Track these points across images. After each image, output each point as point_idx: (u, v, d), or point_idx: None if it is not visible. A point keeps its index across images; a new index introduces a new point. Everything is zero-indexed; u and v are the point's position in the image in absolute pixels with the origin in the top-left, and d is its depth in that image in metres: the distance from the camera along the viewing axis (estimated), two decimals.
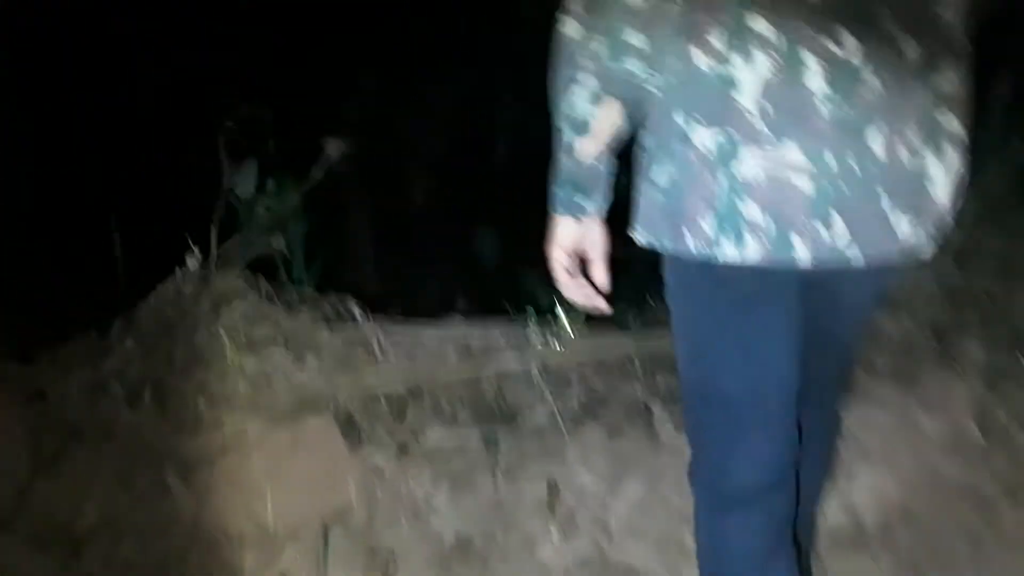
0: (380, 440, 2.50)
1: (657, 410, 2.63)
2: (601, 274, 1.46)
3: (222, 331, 2.54)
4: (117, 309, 2.70)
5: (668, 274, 1.39)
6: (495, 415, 2.65)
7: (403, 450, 2.50)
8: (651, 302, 3.03)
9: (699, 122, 1.24)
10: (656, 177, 1.29)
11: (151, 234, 2.73)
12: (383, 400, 2.61)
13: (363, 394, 2.57)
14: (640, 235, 1.34)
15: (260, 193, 2.94)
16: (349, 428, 2.50)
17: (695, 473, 1.49)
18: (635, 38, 1.25)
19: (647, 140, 1.32)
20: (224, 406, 2.39)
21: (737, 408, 1.39)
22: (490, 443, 2.54)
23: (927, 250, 1.33)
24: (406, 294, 4.17)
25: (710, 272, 1.29)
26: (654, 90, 1.28)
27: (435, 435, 2.56)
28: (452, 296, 3.79)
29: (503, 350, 2.78)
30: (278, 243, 3.03)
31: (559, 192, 1.41)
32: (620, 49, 1.25)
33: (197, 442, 2.27)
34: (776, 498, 1.42)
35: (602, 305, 1.47)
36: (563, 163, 1.37)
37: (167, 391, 2.40)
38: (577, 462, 2.47)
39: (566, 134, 1.35)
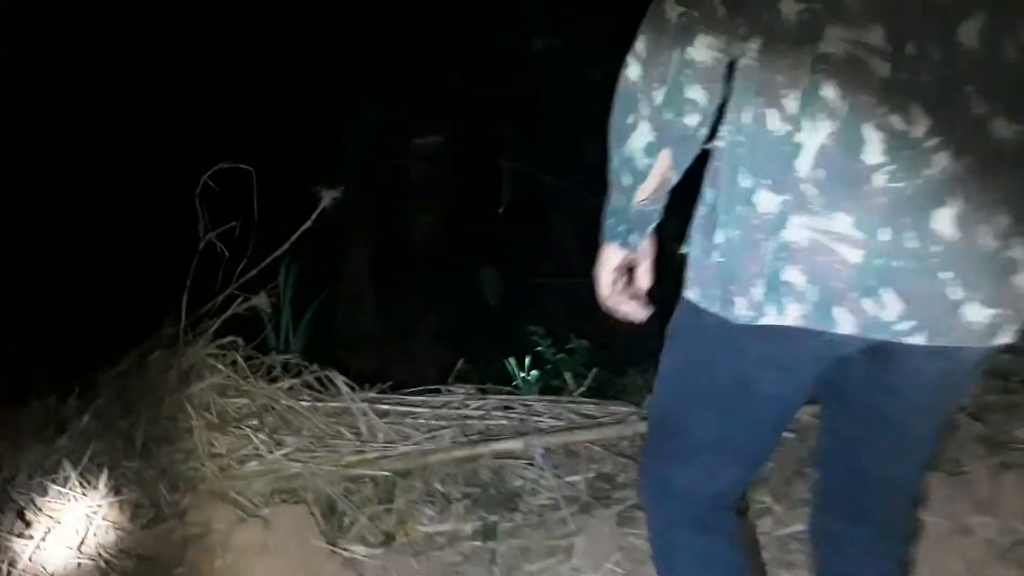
0: (363, 530, 2.24)
1: None
2: (646, 278, 1.43)
3: (190, 406, 2.29)
4: (80, 375, 2.47)
5: (684, 315, 1.35)
6: (493, 501, 2.39)
7: (388, 541, 2.24)
8: None
9: (764, 186, 1.20)
10: (716, 237, 1.26)
11: (124, 294, 2.49)
12: (369, 482, 2.35)
13: (346, 477, 2.32)
14: (692, 294, 1.31)
15: (243, 249, 2.71)
16: (329, 515, 2.25)
17: (644, 474, 1.51)
18: (697, 93, 1.21)
19: (709, 196, 1.29)
20: (188, 494, 2.14)
21: (698, 449, 1.40)
22: (487, 534, 2.28)
23: (1003, 335, 1.24)
24: (400, 353, 3.95)
25: (734, 331, 1.26)
26: (721, 144, 1.26)
27: (425, 523, 2.30)
28: (449, 357, 3.57)
29: (503, 427, 2.53)
30: (262, 302, 2.79)
31: (610, 223, 1.38)
32: (680, 103, 1.22)
33: (153, 537, 2.02)
34: (721, 510, 1.48)
35: (643, 316, 1.43)
36: (615, 200, 1.35)
37: (125, 475, 2.15)
38: (584, 558, 2.21)
39: (622, 177, 1.32)
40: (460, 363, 3.24)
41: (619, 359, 3.63)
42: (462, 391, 2.76)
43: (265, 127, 3.67)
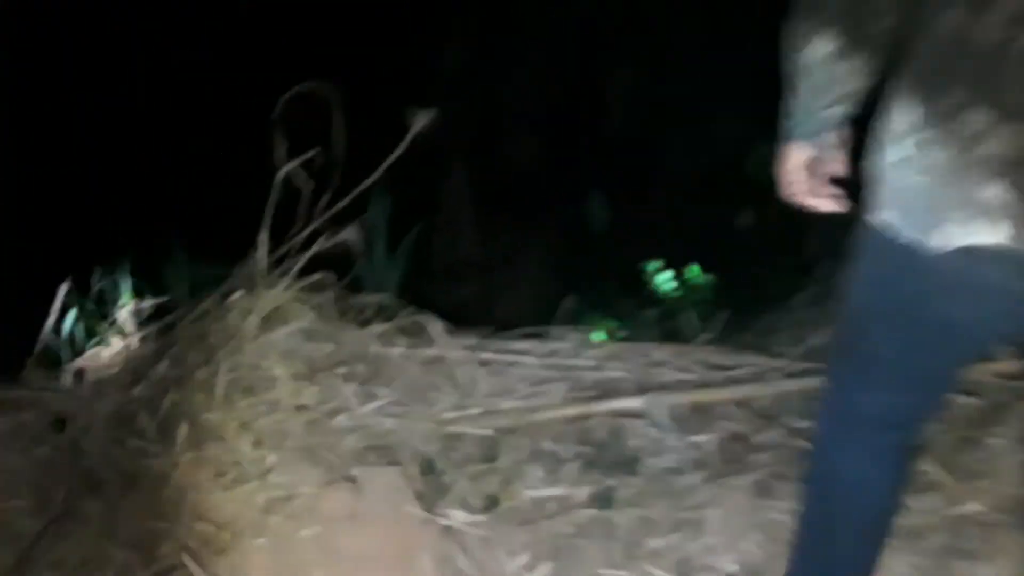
0: (463, 492, 1.99)
1: None
2: (839, 166, 1.35)
3: (274, 353, 2.07)
4: (156, 316, 2.29)
5: (868, 236, 1.28)
6: (610, 462, 2.11)
7: (491, 505, 1.99)
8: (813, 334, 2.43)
9: (972, 100, 1.11)
10: (906, 155, 1.18)
11: (201, 230, 2.27)
12: (469, 440, 2.10)
13: (444, 433, 2.07)
14: (879, 217, 1.24)
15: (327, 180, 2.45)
16: (425, 475, 2.01)
17: (825, 385, 1.45)
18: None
19: (896, 109, 1.20)
20: (273, 451, 1.92)
21: (878, 366, 1.35)
22: (603, 501, 2.01)
23: None
24: (502, 288, 3.67)
25: (926, 255, 1.19)
26: (914, 54, 1.17)
27: (533, 486, 2.04)
28: (554, 292, 3.27)
29: (620, 380, 2.23)
30: (353, 236, 2.53)
31: (793, 126, 1.32)
32: (865, 7, 1.16)
33: (233, 500, 1.81)
34: (894, 448, 1.42)
35: (841, 205, 1.35)
36: (796, 105, 1.29)
37: (204, 430, 1.95)
38: (718, 535, 1.92)
39: (801, 85, 1.26)
40: (567, 300, 2.95)
41: (750, 296, 3.27)
42: (571, 336, 2.46)
43: (350, 45, 3.37)
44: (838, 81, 1.22)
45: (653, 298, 3.27)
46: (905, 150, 1.18)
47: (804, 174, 1.34)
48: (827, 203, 1.34)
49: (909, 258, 1.21)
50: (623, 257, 3.69)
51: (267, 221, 2.20)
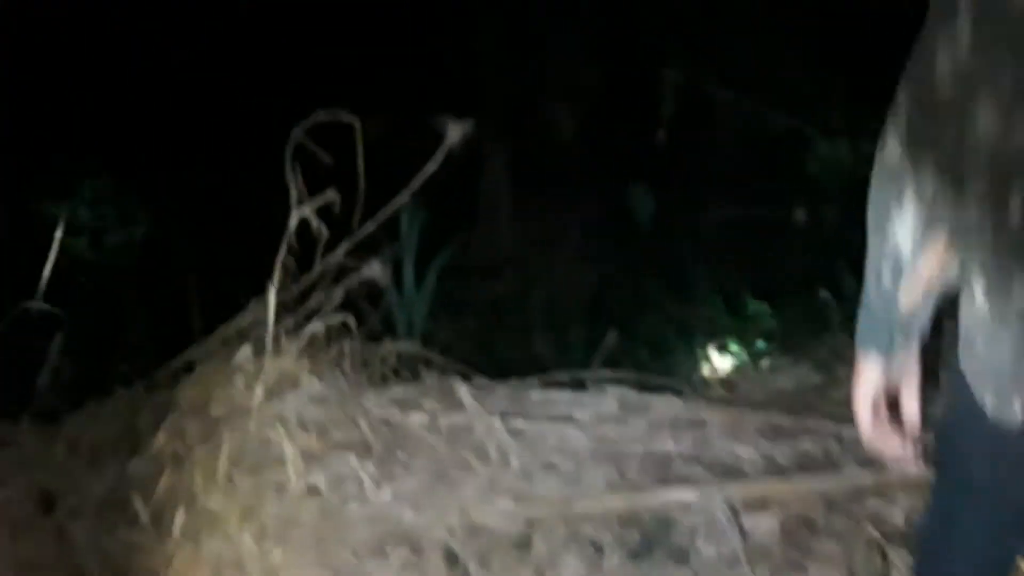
0: None
1: (893, 556, 1.84)
2: (912, 405, 1.19)
3: (282, 425, 1.86)
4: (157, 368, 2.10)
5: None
6: (656, 552, 1.88)
7: None
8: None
9: None
10: (989, 334, 1.06)
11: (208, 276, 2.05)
12: (498, 526, 1.88)
13: (470, 521, 1.86)
14: (961, 354, 1.12)
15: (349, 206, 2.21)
16: (449, 567, 1.80)
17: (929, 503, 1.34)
18: (978, 182, 0.98)
19: (979, 286, 1.06)
20: (278, 545, 1.72)
21: (975, 493, 1.21)
22: None
23: None
24: (541, 322, 3.42)
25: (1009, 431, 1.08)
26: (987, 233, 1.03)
27: None
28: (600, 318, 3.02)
29: (670, 455, 1.99)
30: (377, 272, 2.30)
31: (867, 328, 1.17)
32: (959, 186, 1.00)
33: None
34: None
35: (912, 461, 1.22)
36: (874, 299, 1.14)
37: (203, 518, 1.75)
38: None
39: (883, 273, 1.12)
40: (609, 337, 2.70)
41: (807, 320, 3.00)
42: (613, 392, 2.22)
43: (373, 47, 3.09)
44: (926, 268, 1.08)
45: (701, 327, 3.02)
46: (975, 318, 1.06)
47: (876, 400, 1.16)
48: (903, 454, 1.19)
49: (993, 434, 1.10)
50: (671, 270, 3.43)
51: (277, 274, 1.98)
